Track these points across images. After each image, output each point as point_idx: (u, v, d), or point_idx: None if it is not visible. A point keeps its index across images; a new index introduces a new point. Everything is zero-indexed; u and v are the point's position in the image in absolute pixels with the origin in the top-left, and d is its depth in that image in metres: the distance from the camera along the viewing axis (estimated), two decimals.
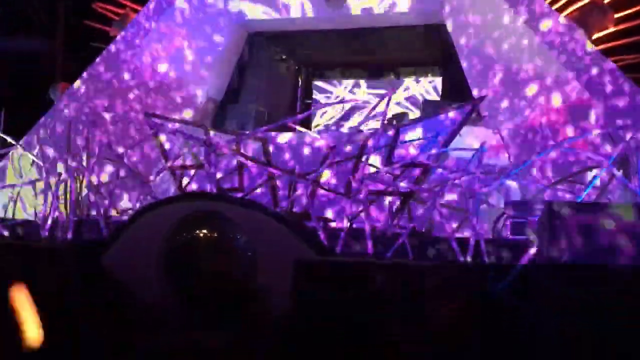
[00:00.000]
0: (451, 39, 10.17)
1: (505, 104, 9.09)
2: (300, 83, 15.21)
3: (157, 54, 11.18)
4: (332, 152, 8.63)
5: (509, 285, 5.29)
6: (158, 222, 6.81)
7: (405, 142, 8.78)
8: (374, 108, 9.13)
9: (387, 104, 8.87)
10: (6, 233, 8.41)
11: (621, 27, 10.53)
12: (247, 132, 9.28)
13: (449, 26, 10.16)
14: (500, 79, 9.22)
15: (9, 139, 9.42)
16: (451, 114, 8.80)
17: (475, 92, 9.47)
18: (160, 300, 6.42)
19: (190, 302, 6.36)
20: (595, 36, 9.93)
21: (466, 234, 6.91)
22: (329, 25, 11.66)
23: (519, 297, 4.82)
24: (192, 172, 9.60)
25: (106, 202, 9.07)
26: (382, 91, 12.96)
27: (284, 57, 14.30)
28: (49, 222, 8.18)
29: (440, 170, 8.23)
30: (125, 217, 8.71)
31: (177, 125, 9.86)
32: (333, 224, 8.51)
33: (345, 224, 6.62)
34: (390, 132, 8.81)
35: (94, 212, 8.91)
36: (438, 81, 13.89)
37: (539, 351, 4.51)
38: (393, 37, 12.26)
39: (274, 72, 14.04)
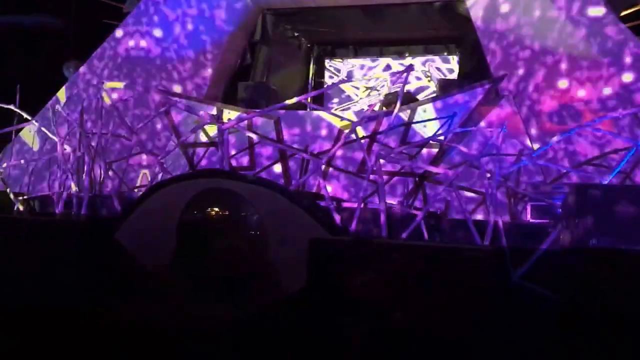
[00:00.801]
0: (470, 16, 9.88)
1: (526, 83, 8.84)
2: (312, 61, 14.99)
3: (168, 30, 10.99)
4: (347, 131, 8.46)
5: (530, 269, 5.14)
6: (171, 199, 6.77)
7: (421, 121, 8.57)
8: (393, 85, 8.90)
9: (404, 84, 8.69)
10: (21, 207, 8.40)
11: None
12: (259, 110, 9.09)
13: (468, 2, 9.87)
14: (522, 58, 8.96)
15: (24, 115, 9.35)
16: (469, 93, 8.57)
17: (493, 71, 9.20)
18: (173, 274, 6.43)
19: (202, 278, 6.33)
20: (623, 13, 9.64)
21: (483, 216, 6.76)
22: (343, 2, 11.40)
23: (542, 281, 4.67)
24: (204, 149, 9.50)
25: (119, 178, 9.01)
26: (400, 68, 12.71)
27: (296, 34, 14.06)
28: (64, 197, 8.16)
29: (458, 151, 8.04)
30: (138, 193, 8.65)
31: (188, 102, 9.71)
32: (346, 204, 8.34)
33: (359, 204, 6.45)
34: (406, 111, 8.62)
35: (107, 188, 8.86)
36: (455, 59, 13.62)
37: (562, 334, 4.36)
38: (409, 13, 11.98)
39: (286, 49, 13.83)
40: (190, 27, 10.96)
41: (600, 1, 8.50)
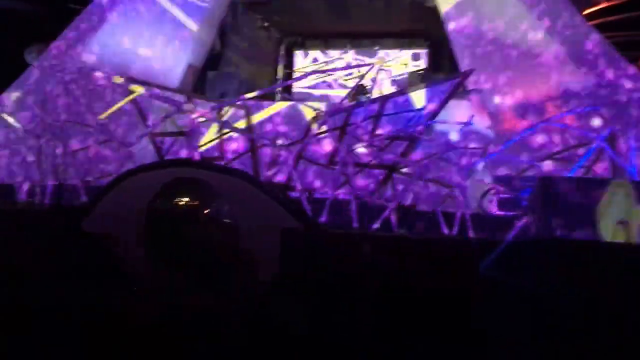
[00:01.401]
0: (438, 10, 9.99)
1: (493, 78, 8.99)
2: (282, 52, 14.97)
3: (137, 17, 10.87)
4: (317, 122, 8.49)
5: (496, 260, 5.25)
6: (139, 189, 6.69)
7: (391, 114, 8.65)
8: (361, 79, 8.97)
9: (375, 76, 8.77)
10: None
11: (613, 2, 10.47)
12: (229, 100, 9.06)
13: None
14: (490, 54, 9.10)
15: None
16: (437, 87, 8.69)
17: (461, 65, 9.34)
18: (141, 264, 6.37)
19: (171, 268, 6.29)
20: (586, 12, 9.86)
21: (452, 208, 6.86)
22: None
23: (508, 272, 4.78)
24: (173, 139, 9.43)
25: (85, 167, 8.89)
26: (371, 61, 12.77)
27: (266, 24, 14.03)
28: (26, 186, 8.01)
29: (427, 143, 8.15)
30: (104, 183, 8.54)
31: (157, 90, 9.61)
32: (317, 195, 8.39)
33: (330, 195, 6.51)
34: (376, 104, 8.68)
35: (72, 177, 8.73)
36: (424, 53, 13.75)
37: (527, 326, 4.47)
38: (379, 6, 12.06)
39: (256, 40, 13.80)
40: (159, 15, 10.86)
41: (567, 2, 8.69)
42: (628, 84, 8.14)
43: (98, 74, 9.71)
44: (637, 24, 10.69)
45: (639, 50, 9.42)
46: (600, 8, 10.40)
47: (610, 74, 8.27)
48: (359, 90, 10.47)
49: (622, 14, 10.62)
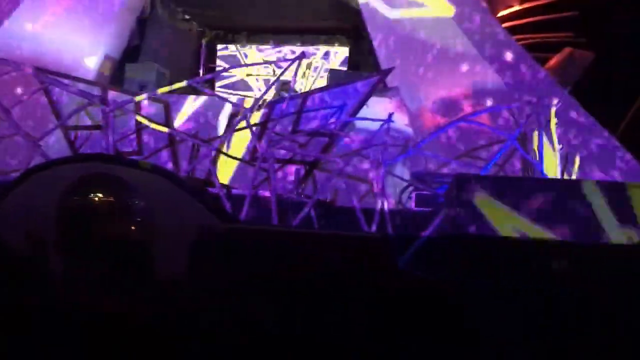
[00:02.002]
0: (360, 9, 10.08)
1: (411, 76, 9.15)
2: (203, 46, 14.74)
3: (49, 4, 10.44)
4: (238, 117, 8.41)
5: (412, 256, 5.33)
6: (50, 184, 6.43)
7: (312, 110, 8.66)
8: (282, 74, 8.93)
9: (296, 72, 8.74)
10: None
11: (526, 5, 10.87)
12: (147, 93, 8.84)
13: None
14: (409, 53, 9.26)
15: None
16: (358, 84, 8.76)
17: (382, 64, 9.46)
18: (53, 264, 6.13)
19: (84, 266, 6.09)
20: (500, 13, 10.18)
21: (371, 204, 6.92)
22: None
23: (425, 268, 4.85)
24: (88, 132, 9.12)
25: None
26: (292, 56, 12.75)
27: (187, 17, 13.77)
28: None
29: (346, 139, 8.21)
30: (12, 177, 8.16)
31: (71, 82, 9.26)
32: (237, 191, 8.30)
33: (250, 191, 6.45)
34: (297, 100, 8.68)
35: None
36: (346, 50, 13.83)
37: (444, 323, 4.56)
38: (301, 3, 12.06)
39: (177, 33, 13.53)
40: (74, 4, 10.47)
41: (485, 8, 8.96)
42: (539, 85, 8.48)
43: (4, 63, 9.25)
44: (548, 27, 11.14)
45: (549, 52, 9.80)
46: (514, 11, 10.77)
47: (522, 75, 8.58)
48: (281, 86, 10.44)
49: (534, 16, 11.03)
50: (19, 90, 10.14)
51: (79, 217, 6.47)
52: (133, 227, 6.39)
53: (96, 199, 6.59)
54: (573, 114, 8.40)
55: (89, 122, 9.08)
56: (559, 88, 8.50)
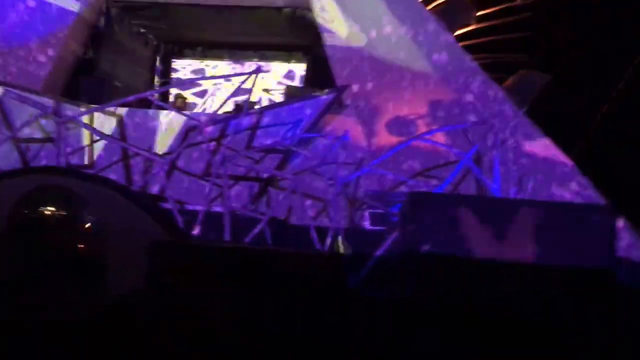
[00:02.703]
0: (318, 25, 10.14)
1: (368, 95, 9.23)
2: (158, 60, 14.62)
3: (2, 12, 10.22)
4: (192, 132, 8.36)
5: (366, 275, 5.36)
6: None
7: (267, 126, 8.67)
8: (237, 88, 8.93)
9: (252, 86, 8.75)
10: None
11: (484, 24, 11.11)
12: (100, 106, 8.73)
13: (315, 11, 10.10)
14: (366, 71, 9.34)
15: None
16: (314, 101, 8.82)
17: (338, 81, 9.51)
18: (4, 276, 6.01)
19: (35, 280, 5.97)
20: (457, 32, 10.35)
21: (325, 222, 6.95)
22: (193, 0, 11.26)
23: (377, 287, 4.89)
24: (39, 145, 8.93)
25: None
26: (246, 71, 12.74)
27: (142, 30, 13.64)
28: None
29: (301, 157, 8.23)
30: None
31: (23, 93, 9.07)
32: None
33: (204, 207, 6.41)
34: (253, 116, 8.68)
35: None
36: (302, 67, 13.87)
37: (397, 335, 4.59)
38: (259, 18, 12.07)
39: (131, 46, 13.38)
40: (27, 12, 10.27)
41: (446, 29, 9.11)
42: (494, 105, 8.64)
43: None
44: (504, 47, 11.42)
45: (505, 72, 10.02)
46: (471, 29, 10.98)
47: (478, 95, 8.74)
48: (237, 101, 10.42)
49: (491, 36, 11.28)
50: None
51: (28, 229, 6.35)
52: (84, 241, 6.29)
53: (47, 212, 6.48)
54: (527, 134, 8.58)
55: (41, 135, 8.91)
56: (514, 108, 8.67)
